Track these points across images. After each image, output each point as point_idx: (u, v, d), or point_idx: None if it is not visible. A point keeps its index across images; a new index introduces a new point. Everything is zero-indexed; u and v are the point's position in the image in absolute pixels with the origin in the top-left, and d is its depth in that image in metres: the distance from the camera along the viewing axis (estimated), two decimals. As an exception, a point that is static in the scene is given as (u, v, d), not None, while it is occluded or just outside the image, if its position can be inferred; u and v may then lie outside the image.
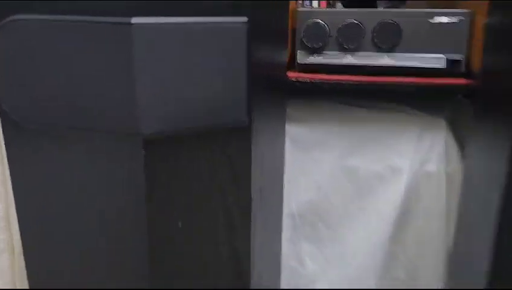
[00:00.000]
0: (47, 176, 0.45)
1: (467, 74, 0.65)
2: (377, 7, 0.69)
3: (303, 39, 0.66)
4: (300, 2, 0.71)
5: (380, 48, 0.65)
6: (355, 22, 0.65)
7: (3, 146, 0.46)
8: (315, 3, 0.71)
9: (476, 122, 0.64)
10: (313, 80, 0.68)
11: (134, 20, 0.36)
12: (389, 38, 0.64)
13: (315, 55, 0.67)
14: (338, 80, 0.67)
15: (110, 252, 0.45)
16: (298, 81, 0.68)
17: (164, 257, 0.45)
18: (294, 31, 0.68)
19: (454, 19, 0.62)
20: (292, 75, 0.68)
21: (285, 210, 0.80)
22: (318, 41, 0.66)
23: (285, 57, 0.59)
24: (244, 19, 0.39)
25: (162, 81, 0.38)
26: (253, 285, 0.48)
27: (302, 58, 0.68)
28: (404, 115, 0.72)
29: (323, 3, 0.70)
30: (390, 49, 0.65)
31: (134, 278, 0.45)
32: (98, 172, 0.43)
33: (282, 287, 0.81)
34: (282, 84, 0.60)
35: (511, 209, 0.43)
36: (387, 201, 0.75)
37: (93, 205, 0.44)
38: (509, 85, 0.48)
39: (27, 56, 0.39)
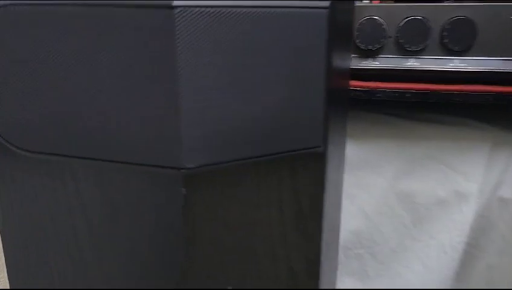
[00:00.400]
0: (47, 218, 0.33)
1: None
2: (443, 0, 0.58)
3: (356, 40, 0.55)
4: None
5: (450, 50, 0.54)
6: (420, 18, 0.54)
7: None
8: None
9: None
10: (365, 88, 0.57)
11: (177, 2, 0.25)
12: (461, 38, 0.53)
13: (370, 59, 0.56)
14: (397, 88, 0.56)
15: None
16: (353, 90, 0.57)
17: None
18: (343, 30, 0.57)
19: (544, 14, 0.52)
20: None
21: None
22: (374, 42, 0.55)
23: (349, 62, 0.48)
24: (326, 2, 0.28)
25: (214, 93, 0.26)
26: None
27: (354, 62, 0.57)
28: (471, 130, 0.61)
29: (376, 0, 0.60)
30: (462, 51, 0.54)
31: None
32: (118, 214, 0.31)
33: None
34: (346, 95, 0.49)
35: None
36: (451, 232, 0.63)
37: (110, 259, 0.33)
38: None
39: (22, 56, 0.27)
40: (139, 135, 0.27)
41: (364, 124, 0.64)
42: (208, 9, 0.25)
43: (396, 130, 0.63)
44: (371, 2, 0.61)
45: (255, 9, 0.27)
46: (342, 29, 0.37)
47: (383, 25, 0.54)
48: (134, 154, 0.28)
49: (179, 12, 0.24)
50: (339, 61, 0.35)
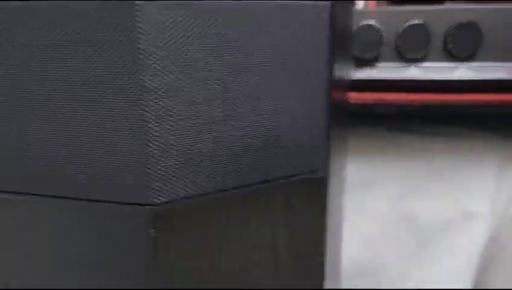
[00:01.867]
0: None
1: None
2: (444, 2, 0.53)
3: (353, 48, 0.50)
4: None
5: (454, 57, 0.49)
6: (421, 23, 0.49)
7: None
8: (360, 3, 0.55)
9: None
10: (362, 101, 0.51)
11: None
12: (467, 43, 0.49)
13: (367, 68, 0.51)
14: (396, 100, 0.51)
15: None
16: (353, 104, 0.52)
17: None
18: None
19: (556, 15, 0.47)
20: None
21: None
22: (371, 50, 0.50)
23: (350, 72, 0.43)
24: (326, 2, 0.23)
25: (190, 108, 0.21)
26: None
27: (350, 72, 0.51)
28: (480, 143, 0.56)
29: (372, 3, 0.55)
30: (468, 58, 0.49)
31: None
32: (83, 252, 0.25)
33: None
34: (347, 109, 0.44)
35: None
36: (459, 258, 0.58)
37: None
38: None
39: None
40: (97, 166, 0.21)
41: (362, 140, 0.58)
42: (187, 5, 0.20)
43: (397, 146, 0.58)
44: (366, 6, 0.56)
45: (251, 5, 0.21)
46: (342, 33, 0.32)
47: (380, 31, 0.50)
48: (95, 193, 0.22)
49: (143, 8, 0.19)
50: (341, 69, 0.30)
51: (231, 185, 0.22)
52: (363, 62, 0.51)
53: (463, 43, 0.49)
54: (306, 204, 0.25)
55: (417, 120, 0.56)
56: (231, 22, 0.21)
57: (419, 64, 0.50)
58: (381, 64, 0.51)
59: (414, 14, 0.50)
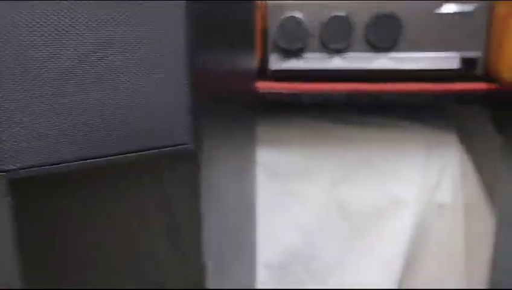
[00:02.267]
0: None
1: (485, 77, 0.51)
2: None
3: (277, 40, 0.51)
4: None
5: (375, 48, 0.51)
6: (342, 15, 0.50)
7: None
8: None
9: (501, 137, 0.50)
10: (289, 91, 0.53)
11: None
12: (387, 34, 0.50)
13: (293, 59, 0.52)
14: (322, 89, 0.52)
15: None
16: (271, 93, 0.53)
17: None
18: (265, 31, 0.53)
19: (467, 8, 0.49)
20: (263, 85, 0.53)
21: (261, 259, 0.63)
22: (296, 41, 0.51)
23: (251, 63, 0.43)
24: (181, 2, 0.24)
25: (47, 83, 0.21)
26: None
27: (276, 63, 0.52)
28: (406, 133, 0.58)
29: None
30: (388, 48, 0.51)
31: None
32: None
33: None
34: (250, 98, 0.45)
35: None
36: (391, 242, 0.59)
37: None
38: None
39: None
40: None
41: (294, 131, 0.60)
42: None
43: (328, 135, 0.59)
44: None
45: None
46: (226, 27, 0.33)
47: (304, 23, 0.51)
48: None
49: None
50: (223, 63, 0.31)
51: (87, 155, 0.22)
52: (289, 53, 0.52)
53: (383, 34, 0.50)
54: (179, 179, 0.26)
55: (344, 110, 0.57)
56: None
57: (343, 55, 0.52)
58: (306, 55, 0.52)
59: (338, 6, 0.51)
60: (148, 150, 0.24)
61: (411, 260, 0.58)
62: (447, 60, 0.50)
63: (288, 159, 0.60)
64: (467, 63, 0.50)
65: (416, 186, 0.57)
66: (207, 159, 0.27)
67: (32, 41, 0.21)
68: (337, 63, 0.52)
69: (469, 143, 0.56)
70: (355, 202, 0.59)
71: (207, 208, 0.27)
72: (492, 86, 0.50)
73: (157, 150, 0.25)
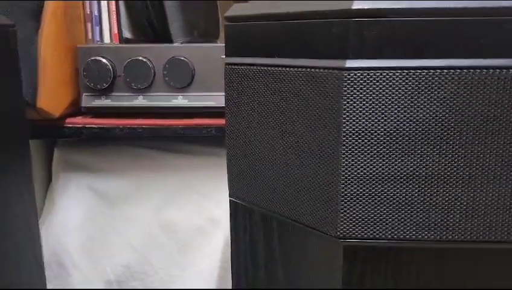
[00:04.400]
0: None
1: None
2: (173, 42, 0.62)
3: (86, 79, 0.57)
4: (90, 38, 0.63)
5: (172, 88, 0.58)
6: (141, 59, 0.57)
7: None
8: (107, 38, 0.62)
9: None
10: (102, 126, 0.59)
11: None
12: (180, 76, 0.57)
13: (102, 97, 0.58)
14: (130, 124, 0.59)
15: None
16: (85, 128, 0.59)
17: None
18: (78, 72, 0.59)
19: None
20: (76, 121, 0.59)
21: (100, 276, 0.68)
22: (102, 81, 0.57)
23: (18, 100, 0.48)
24: None
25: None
26: None
27: (87, 101, 0.58)
28: (218, 159, 0.65)
29: (116, 37, 0.62)
30: (183, 88, 0.58)
31: None
32: None
33: None
34: (25, 132, 0.49)
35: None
36: (209, 258, 0.66)
37: None
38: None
39: None
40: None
41: (120, 159, 0.66)
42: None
43: (153, 162, 0.66)
44: (111, 42, 0.64)
45: None
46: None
47: (108, 65, 0.57)
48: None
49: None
50: None
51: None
52: (98, 92, 0.58)
53: (178, 76, 0.57)
54: None
55: (152, 141, 0.64)
56: None
57: (145, 94, 0.58)
58: (114, 94, 0.58)
59: (138, 51, 0.58)
60: None
61: (225, 274, 0.65)
62: (232, 98, 0.57)
63: (119, 185, 0.66)
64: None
65: (227, 206, 0.64)
66: None
67: None
68: (141, 101, 0.59)
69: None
70: (180, 222, 0.66)
71: None
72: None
73: None
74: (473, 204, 0.24)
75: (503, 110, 0.23)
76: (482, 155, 0.23)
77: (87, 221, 0.67)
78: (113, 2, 0.61)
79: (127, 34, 0.64)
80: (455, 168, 0.23)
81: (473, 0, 0.22)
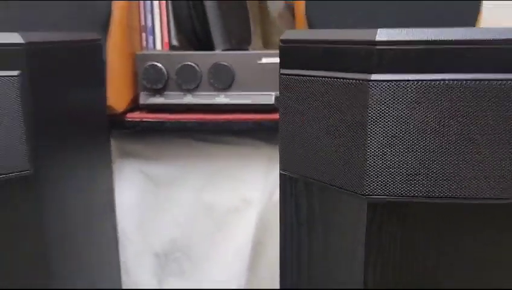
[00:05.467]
0: None
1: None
2: (214, 50, 0.73)
3: (143, 81, 0.69)
4: (145, 46, 0.74)
5: (216, 88, 0.69)
6: (190, 64, 0.68)
7: None
8: (158, 45, 0.74)
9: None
10: (156, 120, 0.70)
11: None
12: (223, 79, 0.68)
13: (157, 96, 0.70)
14: (179, 119, 0.70)
15: None
16: (143, 122, 0.70)
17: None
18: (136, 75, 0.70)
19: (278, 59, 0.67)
20: (136, 116, 0.70)
21: (149, 249, 0.80)
22: (157, 83, 0.69)
23: (102, 99, 0.60)
24: (15, 72, 0.41)
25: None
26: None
27: (144, 99, 0.70)
28: (252, 148, 0.76)
29: (166, 45, 0.74)
30: (225, 88, 0.69)
31: None
32: None
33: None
34: (105, 126, 0.61)
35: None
36: (243, 234, 0.77)
37: None
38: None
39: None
40: None
41: (169, 148, 0.77)
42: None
43: (195, 151, 0.77)
44: (162, 49, 0.75)
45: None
46: (72, 79, 0.50)
47: (162, 69, 0.68)
48: None
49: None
50: (69, 102, 0.48)
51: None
52: (154, 91, 0.69)
53: (220, 79, 0.68)
54: (20, 200, 0.43)
55: (199, 133, 0.75)
56: None
57: (193, 93, 0.69)
58: (167, 93, 0.70)
59: (187, 57, 0.69)
60: None
61: (257, 247, 0.76)
62: (266, 97, 0.68)
63: (166, 169, 0.77)
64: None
65: (259, 189, 0.75)
66: (45, 177, 0.44)
67: None
68: (190, 99, 0.70)
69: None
70: (218, 203, 0.77)
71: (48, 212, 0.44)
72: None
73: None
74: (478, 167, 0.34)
75: (477, 109, 0.34)
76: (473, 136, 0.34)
77: (139, 201, 0.78)
78: (165, 15, 0.73)
79: (174, 42, 0.75)
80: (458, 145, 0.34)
81: (452, 32, 0.33)
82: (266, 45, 1.01)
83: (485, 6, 0.63)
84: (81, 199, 0.54)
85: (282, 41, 0.40)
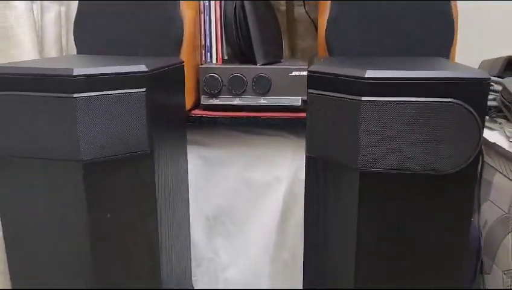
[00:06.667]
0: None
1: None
2: (256, 64, 0.96)
3: (204, 87, 0.93)
4: (203, 60, 0.98)
5: (258, 93, 0.93)
6: (239, 75, 0.92)
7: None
8: (213, 59, 0.98)
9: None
10: (213, 116, 0.94)
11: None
12: (263, 86, 0.92)
13: (214, 98, 0.94)
14: (230, 116, 0.94)
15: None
16: (203, 117, 0.95)
17: (98, 244, 0.68)
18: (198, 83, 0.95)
19: (304, 73, 0.91)
20: (198, 112, 0.95)
21: (202, 213, 1.05)
22: (215, 88, 0.93)
23: (181, 102, 0.85)
24: (142, 90, 0.65)
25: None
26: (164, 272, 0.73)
27: (205, 100, 0.94)
28: (282, 138, 1.00)
29: (220, 60, 0.98)
30: (264, 93, 0.93)
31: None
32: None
33: (198, 276, 1.05)
34: (184, 120, 0.85)
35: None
36: (275, 203, 1.01)
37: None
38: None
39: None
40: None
41: (219, 137, 1.01)
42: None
43: (240, 140, 1.01)
44: (216, 62, 0.99)
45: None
46: (168, 90, 0.74)
47: (218, 78, 0.92)
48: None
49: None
50: (167, 105, 0.72)
51: (109, 153, 0.64)
52: (211, 95, 0.93)
53: (261, 86, 0.92)
54: (144, 167, 0.68)
55: (246, 126, 0.99)
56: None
57: (241, 97, 0.93)
58: (221, 96, 0.94)
59: (236, 70, 0.92)
60: (128, 152, 0.66)
61: (285, 213, 1.00)
62: (295, 100, 0.92)
63: (216, 153, 1.02)
64: (305, 102, 0.92)
65: (287, 169, 0.99)
66: (157, 156, 0.68)
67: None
68: (238, 101, 0.94)
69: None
70: (257, 179, 1.01)
71: (159, 179, 0.69)
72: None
73: (132, 152, 0.66)
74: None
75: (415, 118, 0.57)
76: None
77: (195, 177, 1.03)
78: (220, 37, 0.96)
79: (225, 56, 0.99)
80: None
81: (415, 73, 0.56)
82: (292, 53, 1.25)
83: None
84: (173, 174, 0.79)
85: (310, 71, 0.63)
